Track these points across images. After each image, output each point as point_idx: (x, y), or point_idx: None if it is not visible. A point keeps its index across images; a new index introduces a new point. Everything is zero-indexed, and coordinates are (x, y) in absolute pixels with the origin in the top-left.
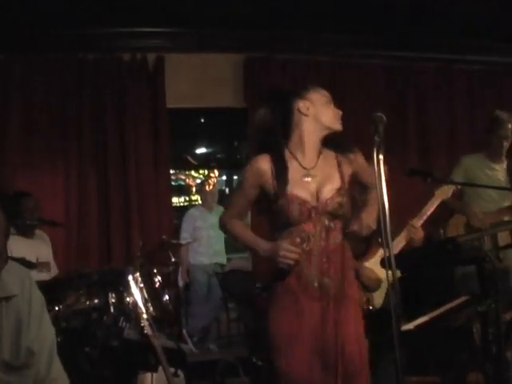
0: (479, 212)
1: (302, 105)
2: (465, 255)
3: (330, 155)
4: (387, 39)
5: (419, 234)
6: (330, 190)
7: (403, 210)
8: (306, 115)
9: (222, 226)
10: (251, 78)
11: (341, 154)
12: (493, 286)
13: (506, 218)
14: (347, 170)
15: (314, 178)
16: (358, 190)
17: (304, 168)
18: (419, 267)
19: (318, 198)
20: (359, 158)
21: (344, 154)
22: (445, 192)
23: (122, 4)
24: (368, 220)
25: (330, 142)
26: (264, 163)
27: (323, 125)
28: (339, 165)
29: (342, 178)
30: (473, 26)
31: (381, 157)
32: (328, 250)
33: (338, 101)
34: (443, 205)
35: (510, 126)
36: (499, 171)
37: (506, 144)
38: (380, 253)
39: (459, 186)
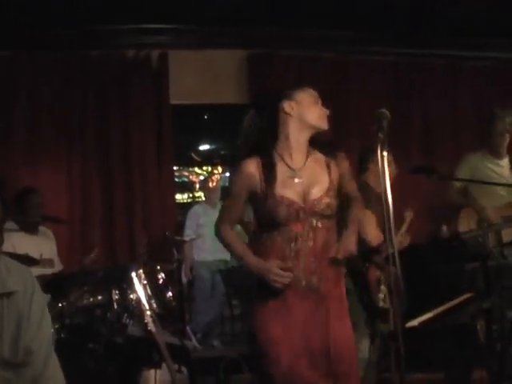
0: (489, 206)
1: (286, 105)
2: (471, 252)
3: (318, 156)
4: (391, 36)
5: None
6: (317, 191)
7: (407, 206)
8: (290, 115)
9: (216, 232)
10: (255, 74)
11: (329, 155)
12: (497, 283)
13: None
14: (335, 172)
15: (302, 178)
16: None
17: (291, 169)
18: (424, 263)
19: (305, 199)
20: (343, 164)
21: (332, 155)
22: None
23: (125, 1)
24: (347, 244)
25: (318, 143)
26: (252, 167)
27: (308, 124)
28: (328, 166)
29: (330, 179)
30: (478, 24)
31: (385, 153)
32: (316, 250)
33: (342, 97)
34: (448, 201)
35: (506, 120)
36: (503, 167)
37: (504, 139)
38: None
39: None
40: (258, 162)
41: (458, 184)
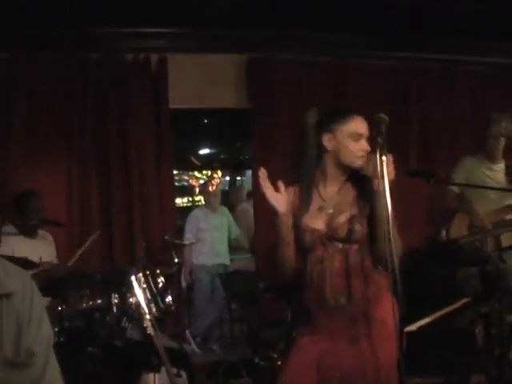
0: (482, 211)
1: (326, 138)
2: (468, 256)
3: (351, 188)
4: (389, 40)
5: None
6: (342, 218)
7: (406, 210)
8: (327, 150)
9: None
10: (254, 78)
11: (359, 189)
12: (496, 287)
13: (508, 217)
14: (365, 204)
15: (330, 209)
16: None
17: (323, 200)
18: (422, 268)
19: (329, 226)
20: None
21: (362, 189)
22: None
23: (125, 4)
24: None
25: (352, 175)
26: (292, 195)
27: (342, 162)
28: (358, 197)
29: (358, 208)
30: (477, 25)
31: (384, 158)
32: (344, 271)
33: (341, 101)
34: (445, 205)
35: (501, 124)
36: (498, 172)
37: (499, 143)
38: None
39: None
40: (296, 190)
41: (455, 189)
